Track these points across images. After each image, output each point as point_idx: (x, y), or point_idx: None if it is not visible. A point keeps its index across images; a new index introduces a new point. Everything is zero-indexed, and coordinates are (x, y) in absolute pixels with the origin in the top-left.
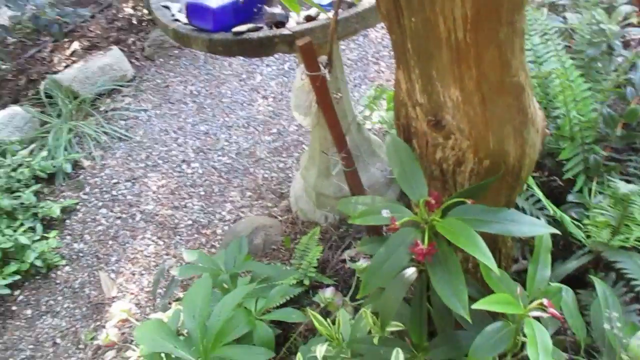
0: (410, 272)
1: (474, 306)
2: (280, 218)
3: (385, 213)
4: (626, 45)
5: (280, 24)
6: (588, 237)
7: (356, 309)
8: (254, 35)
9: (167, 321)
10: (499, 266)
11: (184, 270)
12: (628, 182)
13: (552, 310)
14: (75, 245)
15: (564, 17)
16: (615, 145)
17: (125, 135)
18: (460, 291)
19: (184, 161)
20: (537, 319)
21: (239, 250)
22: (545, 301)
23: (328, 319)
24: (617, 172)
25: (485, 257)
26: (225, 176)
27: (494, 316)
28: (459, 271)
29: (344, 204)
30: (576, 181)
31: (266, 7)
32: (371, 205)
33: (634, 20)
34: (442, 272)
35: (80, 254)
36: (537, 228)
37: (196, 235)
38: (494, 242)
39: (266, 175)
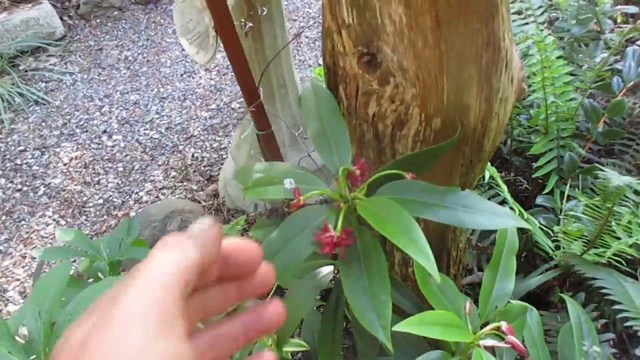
0: (325, 271)
1: (395, 328)
2: (204, 203)
3: (289, 183)
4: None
5: None
6: (557, 248)
7: None
8: None
9: (9, 319)
10: (446, 274)
11: (49, 252)
12: (593, 189)
13: (512, 338)
14: None
15: None
16: (594, 144)
17: (43, 99)
18: (381, 304)
19: (105, 132)
20: (491, 348)
21: (127, 232)
22: (504, 325)
23: None
24: (593, 176)
25: (421, 253)
26: (150, 152)
27: (436, 341)
28: (384, 274)
29: (239, 173)
30: (546, 184)
31: None
32: (270, 172)
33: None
34: (359, 274)
35: None
36: (501, 219)
37: (105, 217)
38: (441, 240)
39: (196, 155)
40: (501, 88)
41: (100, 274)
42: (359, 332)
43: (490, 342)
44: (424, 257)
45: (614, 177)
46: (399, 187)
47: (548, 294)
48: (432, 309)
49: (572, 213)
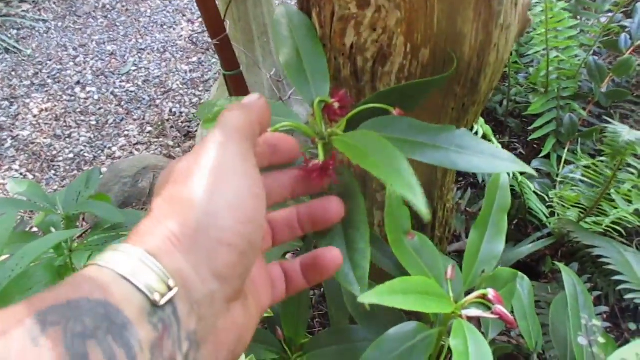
0: None
1: (361, 299)
2: None
3: None
4: None
5: None
6: (551, 215)
7: None
8: None
9: None
10: (431, 237)
11: None
12: (593, 154)
13: (499, 308)
14: None
15: None
16: (596, 106)
17: (14, 47)
18: (358, 252)
19: (78, 83)
20: (476, 319)
21: (85, 185)
22: (491, 293)
23: None
24: (593, 140)
25: (407, 187)
26: (125, 106)
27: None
28: (362, 219)
29: (201, 108)
30: (542, 149)
31: None
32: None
33: None
34: None
35: None
36: (501, 162)
37: (75, 172)
38: (427, 195)
39: (174, 110)
40: (502, 13)
41: (53, 229)
42: (332, 296)
43: (474, 312)
44: (410, 191)
45: (625, 132)
46: (384, 124)
47: (539, 264)
48: (407, 274)
49: (571, 175)
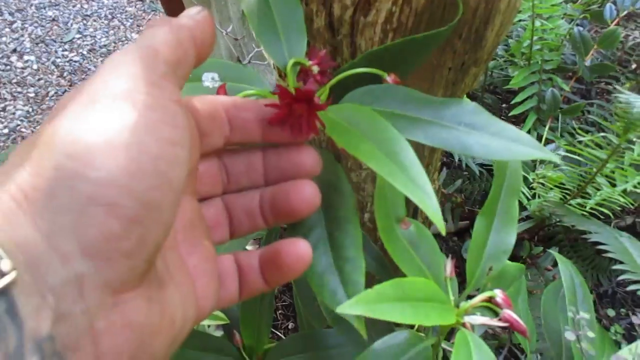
0: None
1: (340, 310)
2: None
3: (210, 80)
4: None
5: None
6: (532, 196)
7: None
8: None
9: None
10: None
11: None
12: (587, 131)
13: (509, 314)
14: None
15: None
16: (577, 82)
17: None
18: (348, 262)
19: (15, 51)
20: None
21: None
22: (499, 295)
23: None
24: (574, 118)
25: (416, 188)
26: (68, 77)
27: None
28: (352, 217)
29: None
30: (520, 127)
31: None
32: None
33: None
34: (314, 215)
35: None
36: (522, 148)
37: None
38: None
39: None
40: None
41: None
42: (300, 288)
43: (479, 319)
44: (421, 193)
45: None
46: (375, 94)
47: (515, 248)
48: (399, 270)
49: (562, 154)
